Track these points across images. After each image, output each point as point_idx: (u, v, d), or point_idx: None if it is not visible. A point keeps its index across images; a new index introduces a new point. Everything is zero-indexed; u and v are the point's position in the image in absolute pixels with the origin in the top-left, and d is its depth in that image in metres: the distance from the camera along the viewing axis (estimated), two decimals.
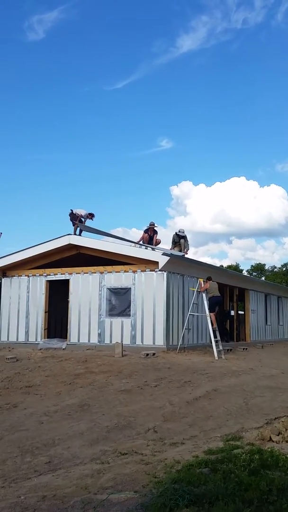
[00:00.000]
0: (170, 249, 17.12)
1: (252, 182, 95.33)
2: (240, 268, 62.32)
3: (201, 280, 15.12)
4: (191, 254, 17.86)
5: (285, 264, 65.66)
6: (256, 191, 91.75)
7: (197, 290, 15.07)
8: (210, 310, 14.69)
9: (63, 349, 14.95)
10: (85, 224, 16.49)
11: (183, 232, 17.46)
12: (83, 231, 16.30)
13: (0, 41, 69.16)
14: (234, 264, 65.22)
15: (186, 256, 16.87)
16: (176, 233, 17.71)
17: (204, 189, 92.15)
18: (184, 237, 17.43)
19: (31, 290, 16.43)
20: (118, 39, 74.13)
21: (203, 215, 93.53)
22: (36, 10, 71.04)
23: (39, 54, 73.62)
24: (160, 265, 14.04)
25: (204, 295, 14.85)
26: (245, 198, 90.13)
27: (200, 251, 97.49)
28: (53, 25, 74.83)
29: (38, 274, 16.41)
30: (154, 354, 13.05)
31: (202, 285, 14.96)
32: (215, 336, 14.29)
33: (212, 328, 14.36)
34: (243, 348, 17.23)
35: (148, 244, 16.67)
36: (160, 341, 14.05)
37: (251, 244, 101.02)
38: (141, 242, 16.88)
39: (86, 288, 15.43)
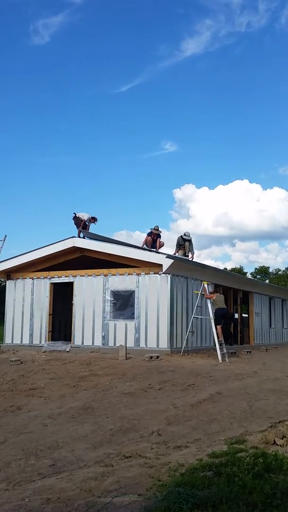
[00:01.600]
0: (174, 252, 17.09)
1: (255, 185, 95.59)
2: (244, 271, 62.29)
3: (205, 283, 15.04)
4: (195, 257, 17.82)
5: None
6: (259, 194, 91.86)
7: (201, 293, 15.01)
8: (217, 323, 14.51)
9: (67, 351, 14.97)
10: (89, 227, 16.56)
11: (189, 236, 17.38)
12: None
13: (5, 44, 69.68)
14: (238, 267, 65.19)
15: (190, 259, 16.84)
16: (181, 236, 17.66)
17: (207, 192, 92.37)
18: (189, 241, 17.38)
19: (36, 292, 16.46)
20: (122, 43, 74.56)
21: (206, 218, 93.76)
22: (41, 14, 71.56)
23: (43, 57, 74.07)
24: (164, 268, 14.05)
25: (208, 301, 14.72)
26: (248, 201, 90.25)
27: (204, 254, 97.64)
28: (58, 29, 75.36)
29: (42, 277, 16.45)
30: (158, 357, 13.04)
31: (206, 288, 14.86)
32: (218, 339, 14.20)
33: (219, 341, 13.98)
34: (247, 351, 17.19)
35: (151, 247, 16.66)
36: (164, 344, 14.04)
37: (254, 247, 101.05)
38: (144, 246, 16.87)
39: (90, 291, 15.45)
